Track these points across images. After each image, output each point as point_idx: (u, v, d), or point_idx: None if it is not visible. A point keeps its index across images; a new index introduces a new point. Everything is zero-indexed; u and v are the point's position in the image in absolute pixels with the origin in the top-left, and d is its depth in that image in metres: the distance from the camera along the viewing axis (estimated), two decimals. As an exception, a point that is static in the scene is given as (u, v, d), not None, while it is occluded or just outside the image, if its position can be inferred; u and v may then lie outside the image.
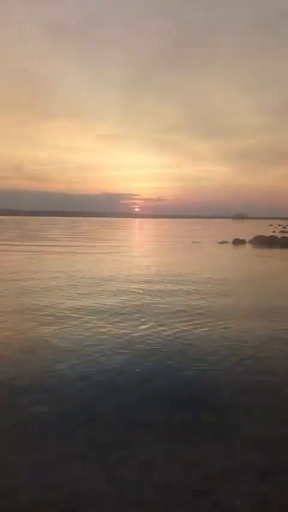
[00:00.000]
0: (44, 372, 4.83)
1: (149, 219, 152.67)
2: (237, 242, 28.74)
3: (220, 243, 28.34)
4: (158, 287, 10.67)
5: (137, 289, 10.35)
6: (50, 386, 4.46)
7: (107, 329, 6.72)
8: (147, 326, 6.93)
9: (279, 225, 79.84)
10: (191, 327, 6.98)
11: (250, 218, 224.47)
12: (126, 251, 21.62)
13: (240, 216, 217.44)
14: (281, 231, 48.85)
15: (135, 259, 17.40)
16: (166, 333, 6.54)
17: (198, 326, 7.04)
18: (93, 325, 6.92)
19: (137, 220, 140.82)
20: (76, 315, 7.56)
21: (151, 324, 7.10)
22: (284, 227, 69.15)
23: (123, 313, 7.81)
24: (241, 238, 29.86)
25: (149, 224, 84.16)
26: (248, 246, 26.63)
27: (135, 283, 11.25)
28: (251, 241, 29.29)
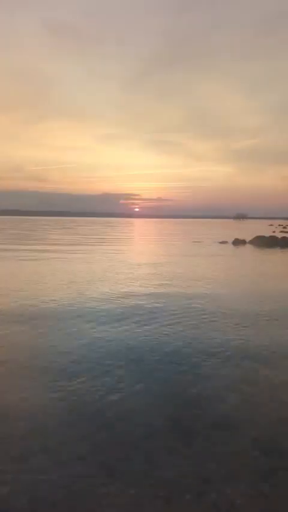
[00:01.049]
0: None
1: (149, 219, 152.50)
2: (237, 242, 28.52)
3: (220, 243, 28.22)
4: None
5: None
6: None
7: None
8: None
9: (279, 225, 79.72)
10: None
11: (250, 218, 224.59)
12: (129, 256, 21.38)
13: (240, 216, 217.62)
14: (281, 231, 48.63)
15: (154, 268, 17.01)
16: None
17: None
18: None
19: (137, 220, 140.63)
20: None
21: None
22: (284, 227, 68.98)
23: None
24: (241, 238, 29.65)
25: (149, 225, 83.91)
26: (248, 247, 26.40)
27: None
28: (251, 242, 29.05)
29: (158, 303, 8.69)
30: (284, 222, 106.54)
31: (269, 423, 3.74)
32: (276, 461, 3.18)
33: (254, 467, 3.10)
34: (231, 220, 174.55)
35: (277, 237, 30.06)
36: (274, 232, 44.33)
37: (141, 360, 5.26)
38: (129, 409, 3.92)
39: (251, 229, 54.58)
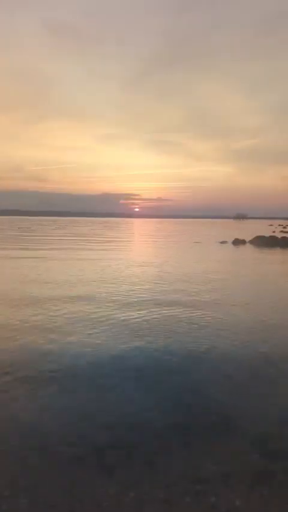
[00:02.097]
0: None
1: (149, 219, 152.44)
2: (238, 242, 28.51)
3: (220, 243, 28.22)
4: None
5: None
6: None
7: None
8: None
9: (279, 225, 79.74)
10: None
11: (250, 218, 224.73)
12: (128, 262, 21.30)
13: (240, 216, 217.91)
14: (281, 231, 48.61)
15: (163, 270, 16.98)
16: None
17: None
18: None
19: (137, 220, 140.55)
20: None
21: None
22: (284, 227, 68.96)
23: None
24: (241, 238, 29.65)
25: (149, 225, 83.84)
26: (248, 247, 26.38)
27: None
28: (251, 242, 29.05)
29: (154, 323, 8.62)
30: (284, 222, 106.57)
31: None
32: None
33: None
34: (231, 220, 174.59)
35: (277, 237, 30.06)
36: (274, 232, 44.32)
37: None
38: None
39: (251, 229, 54.56)
